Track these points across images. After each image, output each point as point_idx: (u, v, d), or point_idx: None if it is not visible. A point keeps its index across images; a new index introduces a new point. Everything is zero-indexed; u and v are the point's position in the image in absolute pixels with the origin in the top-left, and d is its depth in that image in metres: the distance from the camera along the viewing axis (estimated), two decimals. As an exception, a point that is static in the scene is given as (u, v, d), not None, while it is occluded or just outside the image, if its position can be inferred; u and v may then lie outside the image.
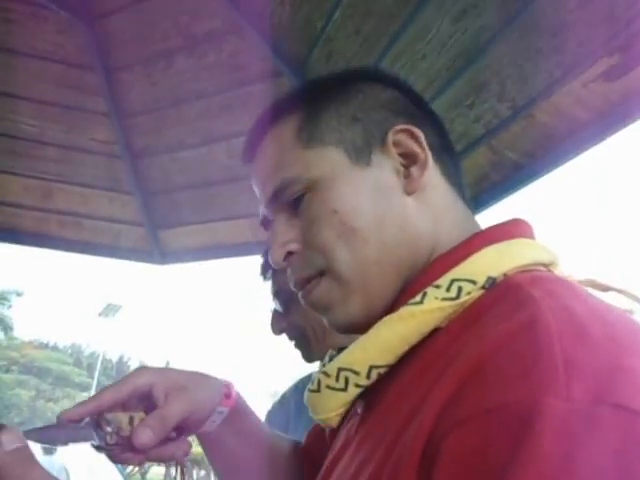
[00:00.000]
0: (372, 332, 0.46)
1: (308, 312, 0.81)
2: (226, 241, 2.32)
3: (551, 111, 1.03)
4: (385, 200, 0.50)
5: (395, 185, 0.51)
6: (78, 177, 2.36)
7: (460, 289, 0.43)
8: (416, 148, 0.51)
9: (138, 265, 2.71)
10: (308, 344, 0.96)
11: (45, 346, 36.44)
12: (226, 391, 0.61)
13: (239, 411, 0.63)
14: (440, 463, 0.32)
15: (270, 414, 1.13)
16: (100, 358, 31.46)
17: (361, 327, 0.49)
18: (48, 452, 7.95)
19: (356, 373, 0.46)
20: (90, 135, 2.30)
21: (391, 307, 0.49)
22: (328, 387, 0.48)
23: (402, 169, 0.51)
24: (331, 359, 0.52)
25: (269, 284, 1.03)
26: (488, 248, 0.46)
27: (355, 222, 0.49)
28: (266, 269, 1.03)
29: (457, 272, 0.45)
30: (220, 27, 1.74)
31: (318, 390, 0.49)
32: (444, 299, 0.43)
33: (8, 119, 2.22)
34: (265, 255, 1.02)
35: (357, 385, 0.46)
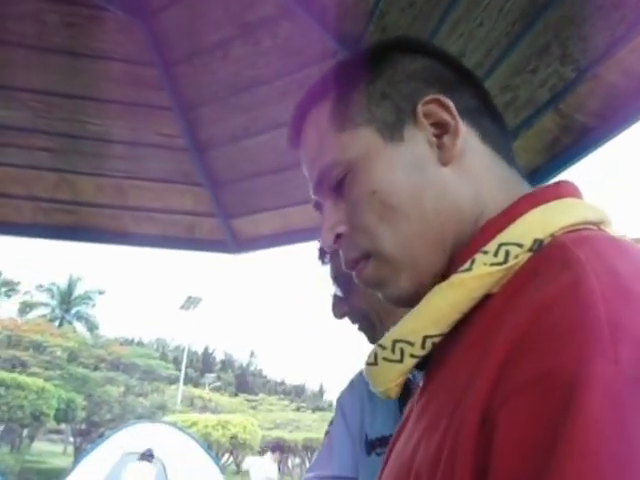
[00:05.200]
0: (424, 302, 0.51)
1: (369, 294, 0.86)
2: (298, 226, 2.46)
3: (617, 69, 1.05)
4: (421, 173, 0.54)
5: (429, 157, 0.55)
6: (148, 172, 2.57)
7: (507, 253, 0.46)
8: (446, 117, 0.55)
9: (214, 256, 2.90)
10: (372, 326, 1.01)
11: (130, 342, 39.35)
12: None
13: None
14: (497, 433, 0.36)
15: (341, 401, 1.17)
16: (185, 351, 33.49)
17: (416, 299, 0.53)
18: (145, 458, 8.72)
19: (411, 344, 0.50)
20: (156, 130, 2.49)
21: (442, 276, 0.52)
22: (385, 359, 0.52)
23: (435, 140, 0.55)
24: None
25: (328, 269, 1.09)
26: (534, 210, 0.49)
27: (394, 200, 0.53)
28: (324, 254, 1.11)
29: (504, 236, 0.48)
30: (272, 12, 1.86)
31: (375, 363, 0.53)
32: (492, 264, 0.47)
33: (75, 120, 2.44)
34: None
35: (412, 355, 0.50)
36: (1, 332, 23.87)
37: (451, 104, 0.55)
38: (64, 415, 20.60)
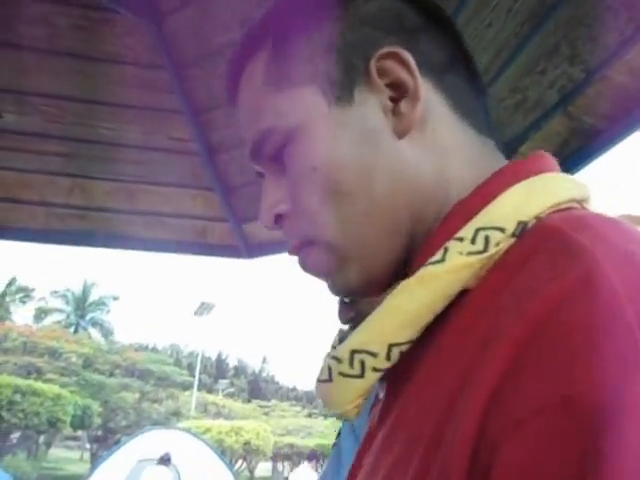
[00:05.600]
0: (387, 303, 0.42)
1: (375, 300, 0.87)
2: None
3: (626, 71, 1.05)
4: (372, 145, 0.45)
5: (383, 125, 0.46)
6: (159, 177, 2.60)
7: (487, 239, 0.39)
8: (405, 76, 0.45)
9: (226, 261, 2.92)
10: None
11: (145, 348, 39.70)
12: None
13: None
14: (500, 469, 0.29)
15: None
16: (199, 357, 33.69)
17: (367, 290, 0.48)
18: (163, 462, 8.81)
19: (373, 355, 0.41)
20: (167, 134, 2.52)
21: (406, 269, 0.45)
22: (341, 374, 0.43)
23: (390, 104, 0.46)
24: (342, 340, 0.45)
25: None
26: (514, 187, 0.42)
27: (338, 177, 0.45)
28: None
29: (481, 219, 0.40)
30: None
31: (329, 379, 0.44)
32: (470, 253, 0.39)
33: (87, 124, 2.46)
34: None
35: (375, 369, 0.41)
36: (17, 338, 24.20)
37: (411, 60, 0.45)
38: (80, 421, 20.83)
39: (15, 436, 20.03)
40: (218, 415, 25.49)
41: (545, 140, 1.27)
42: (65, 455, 25.18)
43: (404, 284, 0.41)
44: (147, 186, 2.65)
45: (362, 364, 0.42)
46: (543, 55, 1.20)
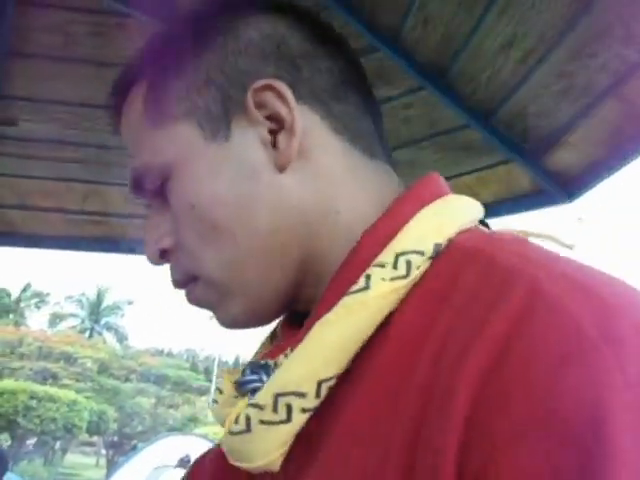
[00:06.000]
0: (312, 338, 0.40)
1: None
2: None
3: None
4: (251, 181, 0.44)
5: (263, 159, 0.44)
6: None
7: (409, 264, 0.39)
8: (281, 108, 0.44)
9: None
10: None
11: (160, 353, 39.89)
12: None
13: None
14: None
15: None
16: (216, 361, 33.74)
17: (252, 323, 0.47)
18: (182, 464, 8.79)
19: (302, 395, 0.38)
20: None
21: (319, 304, 0.43)
22: (263, 422, 0.39)
23: (269, 137, 0.44)
24: (250, 382, 0.43)
25: None
26: (422, 212, 0.42)
27: (216, 214, 0.44)
28: None
29: (399, 244, 0.40)
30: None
31: (247, 430, 0.40)
32: (393, 279, 0.39)
33: (103, 131, 2.45)
34: None
35: (304, 410, 0.39)
36: (32, 344, 24.39)
37: (287, 92, 0.44)
38: (96, 427, 20.93)
39: (31, 442, 20.18)
40: (234, 420, 25.40)
41: (596, 128, 1.19)
42: (81, 461, 25.32)
43: (327, 317, 0.40)
44: None
45: (288, 407, 0.39)
46: (593, 37, 1.12)
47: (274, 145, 0.45)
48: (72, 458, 24.65)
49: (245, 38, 0.46)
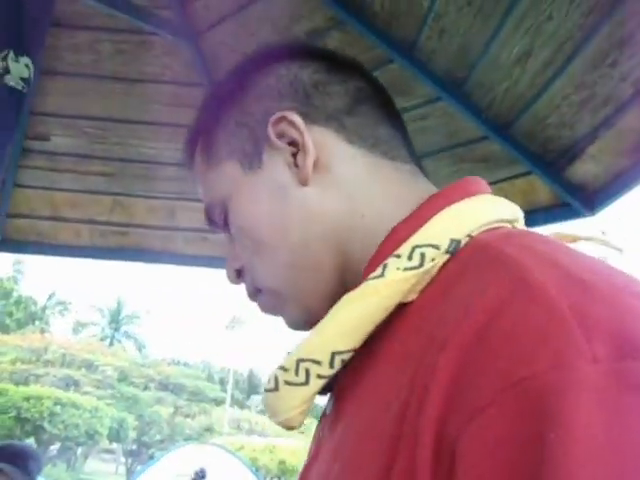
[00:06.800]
0: (331, 315, 0.45)
1: None
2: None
3: None
4: (283, 200, 0.51)
5: (289, 178, 0.51)
6: (197, 193, 2.61)
7: (423, 256, 0.42)
8: (294, 133, 0.51)
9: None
10: None
11: (177, 363, 39.87)
12: None
13: None
14: (462, 467, 0.30)
15: None
16: (231, 372, 33.67)
17: (311, 322, 0.50)
18: (197, 478, 8.75)
19: (317, 363, 0.43)
20: None
21: (342, 293, 0.47)
22: (287, 383, 0.45)
23: (292, 159, 0.51)
24: None
25: None
26: (447, 209, 0.45)
27: (258, 234, 0.51)
28: None
29: (417, 238, 0.44)
30: (321, 24, 1.81)
31: (276, 388, 0.46)
32: (406, 269, 0.42)
33: (128, 144, 2.50)
34: None
35: (319, 376, 0.44)
36: (56, 351, 24.50)
37: (297, 118, 0.51)
38: (116, 435, 20.96)
39: (55, 447, 20.23)
40: (251, 432, 25.27)
41: (618, 138, 1.18)
42: (101, 468, 25.30)
43: (346, 297, 0.45)
44: (186, 202, 2.66)
45: (307, 372, 0.44)
46: (613, 46, 1.11)
47: (296, 165, 0.51)
48: (93, 464, 24.65)
49: (263, 85, 0.54)
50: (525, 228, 0.48)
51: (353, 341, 0.43)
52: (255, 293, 0.55)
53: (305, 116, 0.51)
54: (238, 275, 0.56)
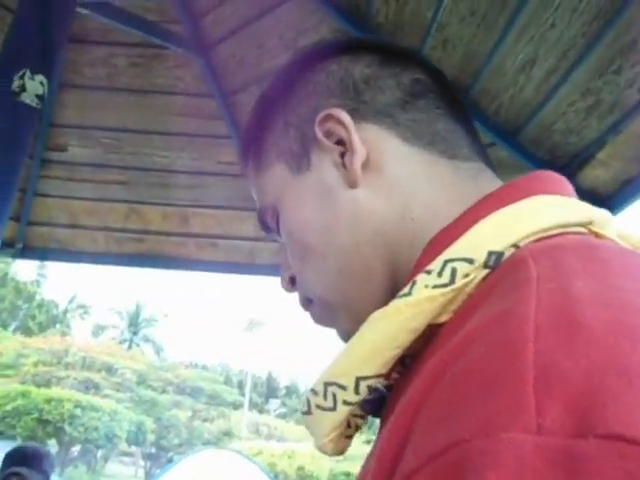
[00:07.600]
0: (359, 333, 0.40)
1: None
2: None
3: None
4: (331, 200, 0.47)
5: (337, 180, 0.47)
6: (210, 200, 2.63)
7: (454, 271, 0.36)
8: (342, 132, 0.46)
9: (276, 280, 2.89)
10: None
11: (195, 366, 39.97)
12: None
13: None
14: None
15: None
16: (249, 375, 33.68)
17: None
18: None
19: (343, 388, 0.39)
20: (216, 159, 2.55)
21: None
22: (318, 407, 0.41)
23: (340, 160, 0.47)
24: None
25: None
26: (494, 214, 0.38)
27: (306, 239, 0.47)
28: None
29: (452, 251, 0.37)
30: (327, 36, 1.80)
31: (309, 412, 0.42)
32: (435, 286, 0.36)
33: (143, 154, 2.54)
34: None
35: (345, 402, 0.39)
36: (76, 354, 24.68)
37: (345, 116, 0.46)
38: (135, 438, 21.04)
39: (76, 449, 20.36)
40: (270, 437, 25.11)
41: (626, 144, 1.15)
42: (120, 471, 25.40)
43: (371, 317, 0.39)
44: (199, 209, 2.69)
45: (334, 397, 0.40)
46: (617, 53, 1.09)
47: (344, 165, 0.46)
48: (112, 467, 24.79)
49: (312, 82, 0.50)
50: (607, 231, 0.39)
51: (377, 366, 0.38)
52: (307, 303, 0.51)
53: (355, 113, 0.47)
54: (292, 283, 0.52)
